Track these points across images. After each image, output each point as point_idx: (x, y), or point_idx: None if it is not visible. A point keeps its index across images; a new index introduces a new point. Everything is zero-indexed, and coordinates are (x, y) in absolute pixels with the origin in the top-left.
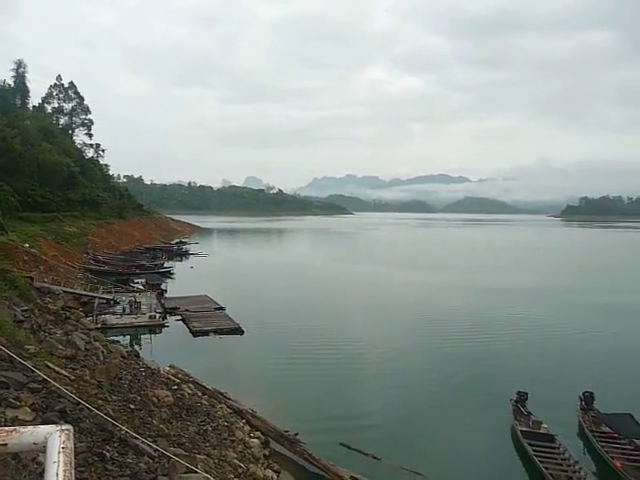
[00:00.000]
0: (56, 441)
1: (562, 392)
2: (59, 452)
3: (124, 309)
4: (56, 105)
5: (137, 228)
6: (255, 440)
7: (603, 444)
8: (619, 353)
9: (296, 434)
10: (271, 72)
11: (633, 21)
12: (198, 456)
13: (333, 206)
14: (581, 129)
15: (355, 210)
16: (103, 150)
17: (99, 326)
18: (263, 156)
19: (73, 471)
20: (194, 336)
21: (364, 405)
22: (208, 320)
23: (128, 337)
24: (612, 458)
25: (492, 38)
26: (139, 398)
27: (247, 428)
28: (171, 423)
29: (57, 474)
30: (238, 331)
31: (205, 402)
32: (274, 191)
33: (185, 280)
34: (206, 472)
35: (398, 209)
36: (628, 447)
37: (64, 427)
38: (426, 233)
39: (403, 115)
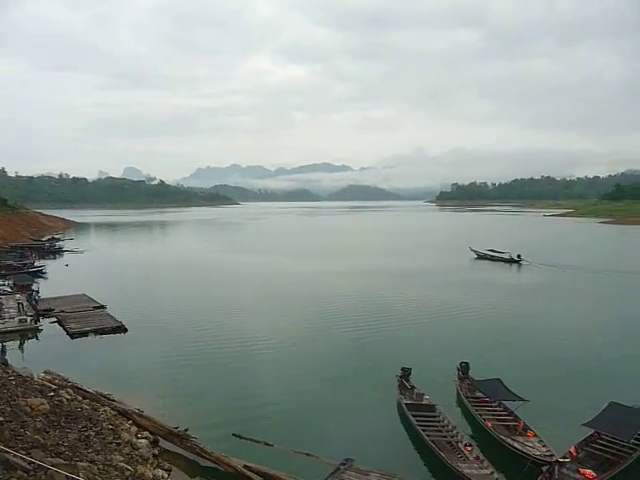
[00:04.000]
0: None
1: (442, 364)
2: None
3: None
4: None
5: (0, 225)
6: (143, 440)
7: (477, 408)
8: (488, 325)
9: (186, 429)
10: (153, 58)
11: (496, 21)
12: (80, 464)
13: (218, 196)
14: (452, 120)
15: (241, 200)
16: None
17: None
18: (143, 146)
19: None
20: (72, 338)
21: (256, 395)
22: (87, 320)
23: None
24: (484, 420)
25: (375, 32)
26: (9, 409)
27: (134, 429)
28: (48, 432)
29: None
30: (121, 329)
31: (87, 406)
32: (155, 182)
33: (60, 279)
34: (89, 479)
35: (284, 198)
36: (498, 409)
37: None
38: (312, 221)
39: (288, 104)
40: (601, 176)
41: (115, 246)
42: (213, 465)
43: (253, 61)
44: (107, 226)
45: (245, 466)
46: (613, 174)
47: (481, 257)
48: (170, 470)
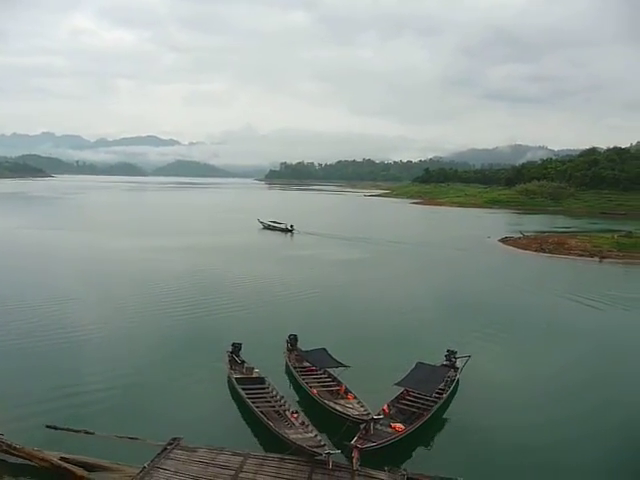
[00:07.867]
0: None
1: (272, 338)
2: None
3: None
4: None
5: None
6: None
7: (304, 377)
8: (317, 298)
9: None
10: None
11: (327, 10)
12: None
13: (27, 167)
14: (282, 99)
15: (55, 172)
16: None
17: None
18: None
19: None
20: None
21: (76, 383)
22: None
23: None
24: (311, 387)
25: (208, 3)
26: None
27: None
28: None
29: None
30: None
31: None
32: None
33: None
34: None
35: (106, 172)
36: (322, 376)
37: None
38: (136, 197)
39: (111, 70)
40: (413, 161)
41: None
42: (24, 462)
43: (74, 19)
44: None
45: (62, 458)
46: (423, 159)
47: (266, 227)
48: None
